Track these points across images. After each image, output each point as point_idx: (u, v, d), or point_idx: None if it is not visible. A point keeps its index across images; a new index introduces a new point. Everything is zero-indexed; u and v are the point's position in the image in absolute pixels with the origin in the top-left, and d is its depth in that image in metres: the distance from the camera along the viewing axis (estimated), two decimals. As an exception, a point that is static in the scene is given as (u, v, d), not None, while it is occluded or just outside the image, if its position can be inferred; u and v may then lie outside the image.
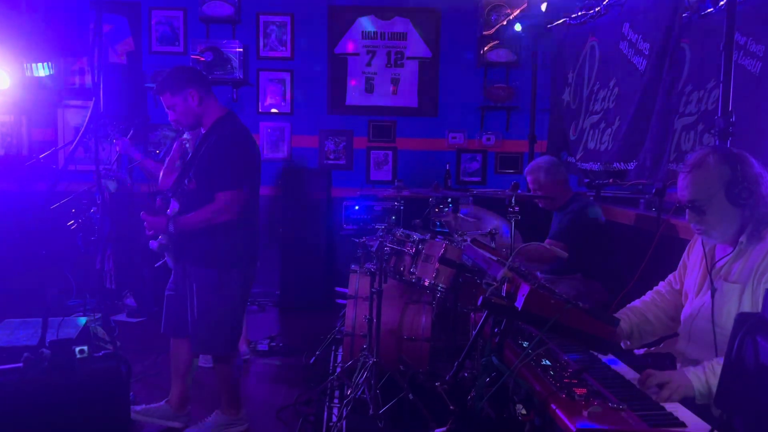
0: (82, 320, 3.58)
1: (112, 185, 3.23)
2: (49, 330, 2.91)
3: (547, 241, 3.85)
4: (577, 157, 4.81)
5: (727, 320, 2.02)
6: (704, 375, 1.88)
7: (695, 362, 2.02)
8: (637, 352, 2.37)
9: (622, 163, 4.03)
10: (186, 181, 3.14)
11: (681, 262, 2.39)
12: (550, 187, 4.00)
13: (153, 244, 3.22)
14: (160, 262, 3.52)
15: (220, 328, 3.15)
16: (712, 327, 2.06)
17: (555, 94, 5.41)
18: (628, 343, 2.32)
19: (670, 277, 2.42)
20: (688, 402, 1.81)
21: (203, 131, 3.20)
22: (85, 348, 1.84)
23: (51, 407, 1.73)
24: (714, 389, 1.86)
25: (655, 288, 2.45)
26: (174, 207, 3.16)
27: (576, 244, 3.74)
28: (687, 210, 2.12)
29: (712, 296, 2.09)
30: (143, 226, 3.21)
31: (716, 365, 1.90)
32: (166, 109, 3.17)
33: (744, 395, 1.40)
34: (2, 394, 1.67)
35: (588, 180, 4.86)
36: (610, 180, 4.36)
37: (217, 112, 3.18)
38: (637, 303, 2.42)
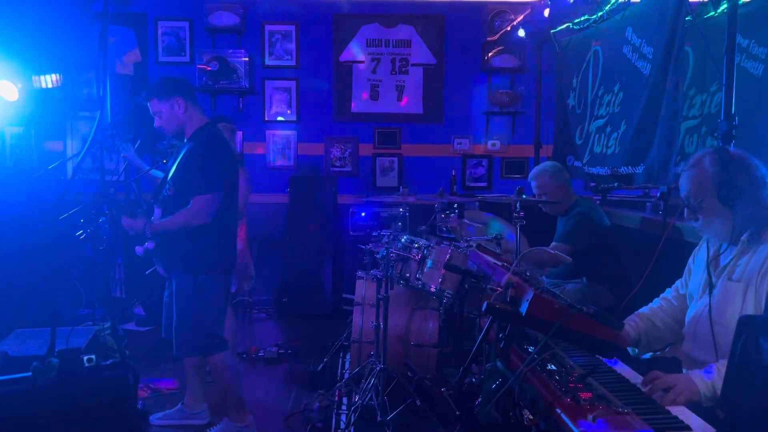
0: (92, 330, 3.63)
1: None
2: (59, 339, 2.94)
3: (552, 244, 3.85)
4: (584, 161, 4.81)
5: (731, 320, 2.03)
6: (711, 381, 1.87)
7: (700, 363, 2.02)
8: (643, 357, 2.37)
9: (629, 167, 4.03)
10: (166, 188, 3.23)
11: (686, 268, 2.40)
12: (555, 191, 4.02)
13: (139, 250, 3.28)
14: (151, 270, 3.55)
15: (195, 333, 3.20)
16: (710, 325, 2.07)
17: (560, 98, 5.42)
18: (636, 350, 2.33)
19: (677, 283, 2.43)
20: (693, 404, 1.81)
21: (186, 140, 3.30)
22: (93, 357, 1.86)
23: (60, 416, 1.75)
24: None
25: (662, 295, 2.46)
26: (157, 214, 3.24)
27: (581, 247, 3.75)
28: (685, 207, 2.19)
29: (710, 294, 2.11)
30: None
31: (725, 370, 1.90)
32: (153, 115, 3.29)
33: (748, 397, 1.41)
34: (12, 403, 1.70)
35: (594, 184, 4.86)
36: (616, 184, 4.35)
37: (199, 121, 3.30)
38: (644, 310, 2.43)
